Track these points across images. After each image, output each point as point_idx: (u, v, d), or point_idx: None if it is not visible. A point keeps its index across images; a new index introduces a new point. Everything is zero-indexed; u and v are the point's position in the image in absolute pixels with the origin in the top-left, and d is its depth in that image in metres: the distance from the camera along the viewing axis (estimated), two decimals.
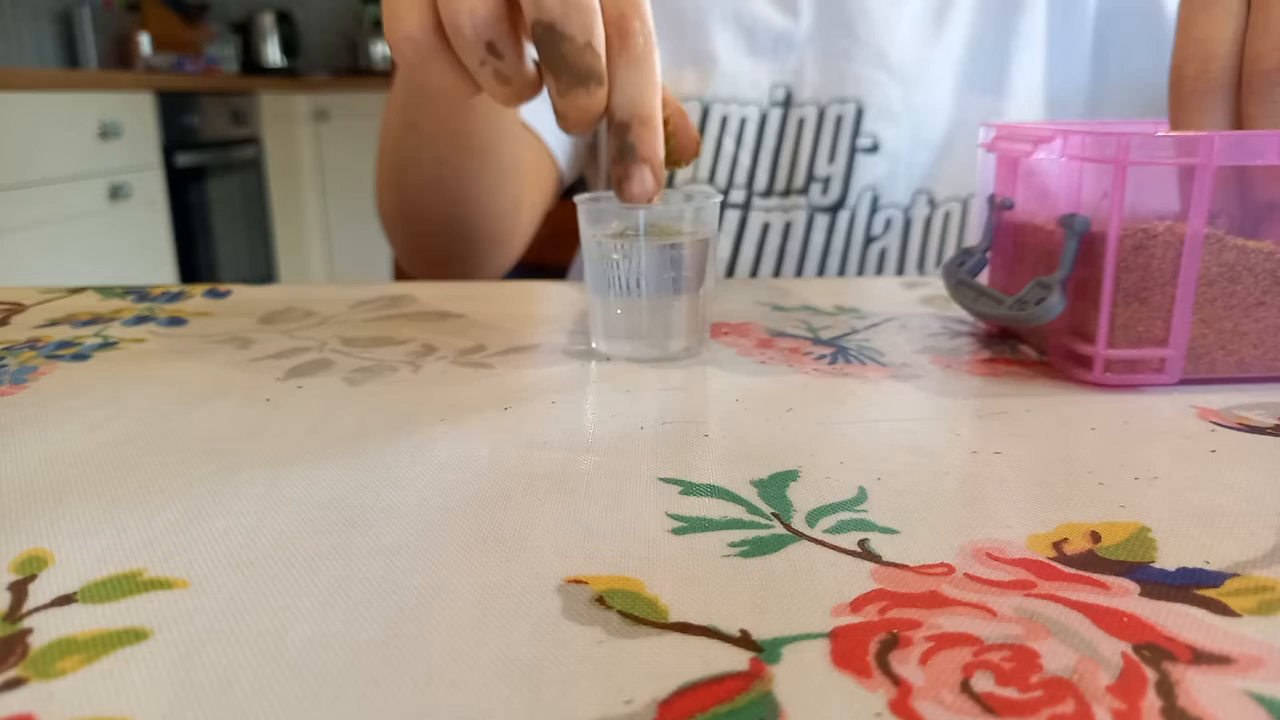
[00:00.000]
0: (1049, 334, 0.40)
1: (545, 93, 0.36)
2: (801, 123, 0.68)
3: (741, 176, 0.69)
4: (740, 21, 0.69)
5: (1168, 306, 0.36)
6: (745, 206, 0.69)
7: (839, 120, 0.68)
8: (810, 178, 0.68)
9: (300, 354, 0.43)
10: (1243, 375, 0.37)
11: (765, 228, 0.69)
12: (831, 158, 0.68)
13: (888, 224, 0.69)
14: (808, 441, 0.32)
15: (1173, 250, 0.36)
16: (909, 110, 0.68)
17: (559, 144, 0.72)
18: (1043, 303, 0.37)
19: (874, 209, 0.69)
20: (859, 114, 0.68)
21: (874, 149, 0.68)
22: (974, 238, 0.69)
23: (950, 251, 0.69)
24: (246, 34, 3.65)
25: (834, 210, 0.69)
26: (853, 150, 0.68)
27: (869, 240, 0.69)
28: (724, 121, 0.69)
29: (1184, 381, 0.37)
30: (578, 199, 0.42)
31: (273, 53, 3.66)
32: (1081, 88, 0.70)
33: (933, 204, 0.68)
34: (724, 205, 0.68)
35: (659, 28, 0.68)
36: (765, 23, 0.69)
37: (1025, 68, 0.68)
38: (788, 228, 0.69)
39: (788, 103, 0.69)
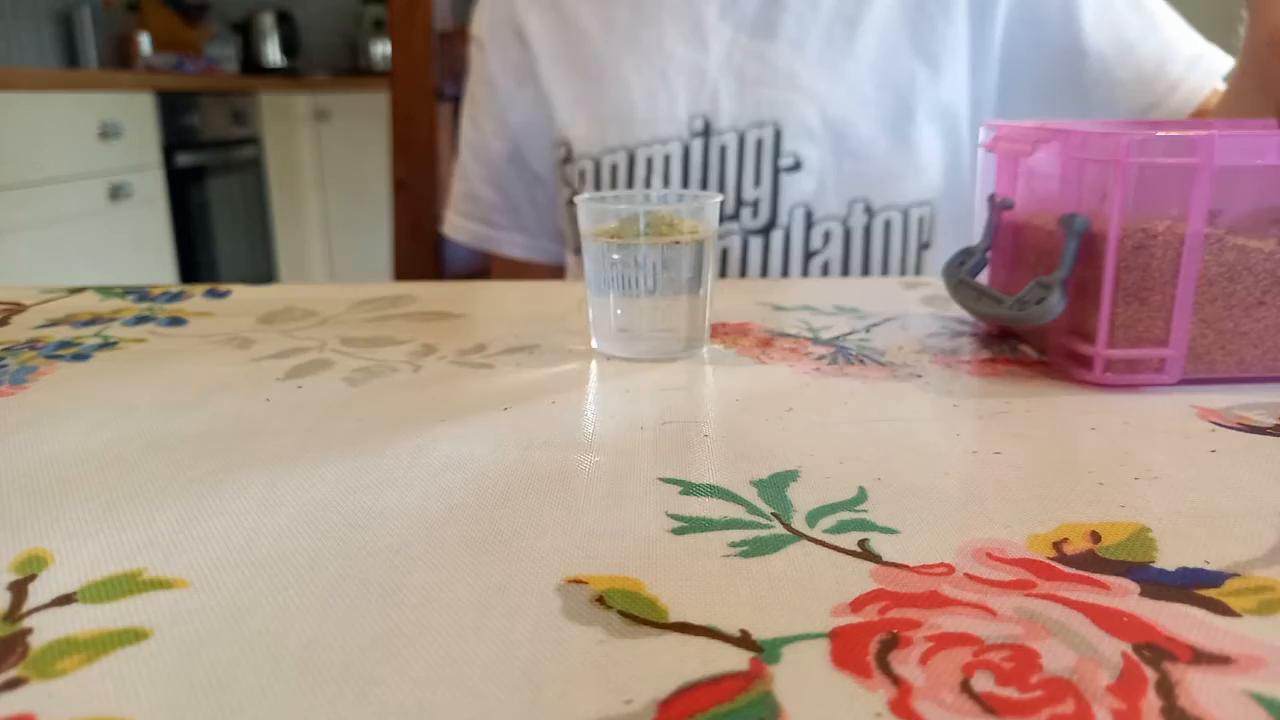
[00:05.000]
0: (1049, 334, 0.40)
1: None
2: (723, 150, 0.70)
3: None
4: (653, 63, 0.71)
5: (1168, 306, 0.36)
6: None
7: (759, 144, 0.69)
8: (739, 202, 0.70)
9: (300, 354, 0.43)
10: (1243, 375, 0.37)
11: None
12: (757, 181, 0.69)
13: (827, 237, 0.70)
14: (808, 441, 0.32)
15: (1173, 250, 0.36)
16: (826, 125, 0.69)
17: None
18: (1043, 303, 0.37)
19: (809, 224, 0.70)
20: (777, 135, 0.69)
21: (796, 167, 0.69)
22: (914, 249, 0.70)
23: (895, 261, 0.70)
24: (246, 34, 3.65)
25: (766, 231, 0.70)
26: (776, 171, 0.69)
27: (809, 255, 0.70)
28: (649, 163, 0.70)
29: (1184, 381, 0.37)
30: (578, 198, 0.42)
31: (273, 53, 3.66)
32: (993, 87, 0.71)
33: (870, 211, 0.69)
34: None
35: (584, 94, 0.73)
36: (677, 59, 0.70)
37: (949, 73, 0.69)
38: (724, 254, 0.70)
39: (707, 132, 0.70)
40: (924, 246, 0.70)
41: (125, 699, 0.19)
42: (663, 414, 0.35)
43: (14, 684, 0.19)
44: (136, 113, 2.61)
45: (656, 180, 0.70)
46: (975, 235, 0.64)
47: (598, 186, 0.71)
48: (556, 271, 0.82)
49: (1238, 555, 0.24)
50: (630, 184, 0.71)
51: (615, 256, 0.41)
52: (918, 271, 0.70)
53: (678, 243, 0.41)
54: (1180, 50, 0.67)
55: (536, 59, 0.74)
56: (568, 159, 0.73)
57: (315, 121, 3.44)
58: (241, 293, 0.57)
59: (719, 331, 0.47)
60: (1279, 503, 0.27)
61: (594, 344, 0.43)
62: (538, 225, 0.81)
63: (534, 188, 0.79)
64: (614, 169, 0.71)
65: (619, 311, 0.42)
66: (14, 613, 0.22)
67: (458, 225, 0.83)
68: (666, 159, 0.70)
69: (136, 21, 3.37)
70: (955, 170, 0.70)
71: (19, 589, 0.23)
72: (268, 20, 3.64)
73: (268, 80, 3.40)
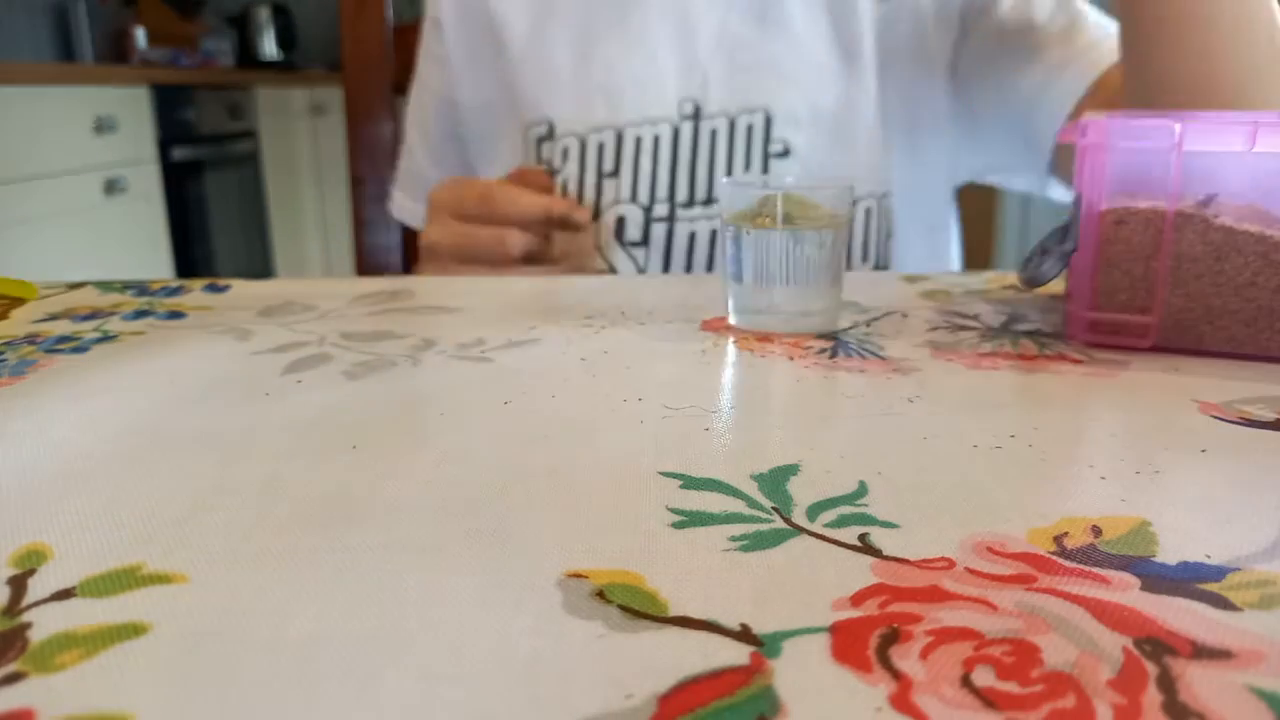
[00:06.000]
0: (1066, 302, 0.45)
1: None
2: (714, 134, 0.70)
3: (662, 191, 0.71)
4: (643, 45, 0.71)
5: (1150, 279, 0.40)
6: (670, 218, 0.71)
7: (749, 129, 0.70)
8: None
9: (300, 348, 0.43)
10: (1236, 351, 0.39)
11: (692, 236, 0.71)
12: (747, 165, 0.70)
13: None
14: (808, 435, 0.32)
15: (1153, 228, 0.39)
16: (814, 113, 0.69)
17: None
18: (1041, 265, 0.40)
19: None
20: (768, 122, 0.69)
21: (785, 154, 0.69)
22: (884, 239, 0.71)
23: (873, 249, 0.71)
24: (243, 27, 3.63)
25: None
26: (766, 156, 0.70)
27: None
28: (638, 142, 0.71)
29: (1177, 352, 0.40)
30: (724, 181, 0.45)
31: (269, 46, 3.65)
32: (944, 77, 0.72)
33: (852, 201, 0.69)
34: (650, 219, 0.71)
35: (568, 72, 0.74)
36: (666, 43, 0.71)
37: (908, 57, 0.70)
38: (713, 235, 0.71)
39: (697, 116, 0.70)
40: (887, 236, 0.71)
41: (125, 694, 0.19)
42: (663, 408, 0.35)
43: (13, 678, 0.19)
44: (132, 107, 2.60)
45: (645, 160, 0.71)
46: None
47: (583, 165, 0.71)
48: None
49: (1239, 549, 0.24)
50: (618, 163, 0.71)
51: (749, 236, 0.44)
52: (879, 258, 0.71)
53: (813, 229, 0.43)
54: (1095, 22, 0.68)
55: (510, 39, 0.74)
56: (548, 136, 0.73)
57: (312, 116, 3.43)
58: (241, 287, 0.56)
59: (719, 327, 0.47)
60: (1279, 497, 0.27)
61: (733, 321, 0.46)
62: None
63: (471, 171, 0.79)
64: (600, 147, 0.71)
65: (758, 292, 0.45)
66: (13, 607, 0.22)
67: (403, 205, 0.83)
68: (656, 140, 0.70)
69: (132, 15, 3.35)
70: (914, 158, 0.70)
71: (18, 583, 0.23)
72: (264, 14, 3.62)
73: (264, 74, 3.38)
